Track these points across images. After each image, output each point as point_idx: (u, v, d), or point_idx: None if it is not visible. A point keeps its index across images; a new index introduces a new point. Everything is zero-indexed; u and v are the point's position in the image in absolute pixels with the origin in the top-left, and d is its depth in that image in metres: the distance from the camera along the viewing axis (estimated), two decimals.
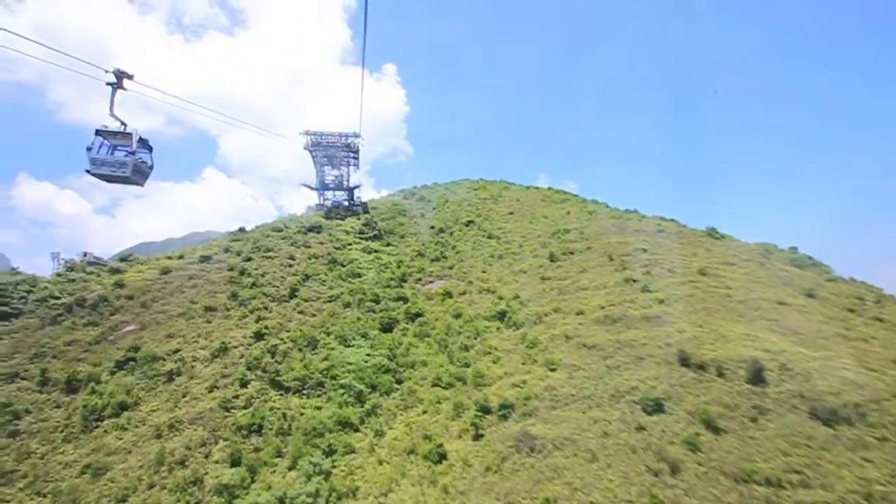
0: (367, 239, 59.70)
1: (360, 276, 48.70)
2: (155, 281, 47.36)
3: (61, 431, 29.09)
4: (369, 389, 30.39)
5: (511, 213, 63.43)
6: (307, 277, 46.98)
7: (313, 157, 73.11)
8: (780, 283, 35.74)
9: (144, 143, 16.13)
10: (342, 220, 66.57)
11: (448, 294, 43.82)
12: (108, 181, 15.78)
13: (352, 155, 73.96)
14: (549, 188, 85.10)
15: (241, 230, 58.00)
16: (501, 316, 36.14)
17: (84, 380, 34.08)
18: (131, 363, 34.74)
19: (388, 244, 59.53)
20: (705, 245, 44.12)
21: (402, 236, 63.46)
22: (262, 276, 47.26)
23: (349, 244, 57.41)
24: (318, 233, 59.97)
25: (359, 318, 40.04)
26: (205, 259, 51.02)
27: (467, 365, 31.25)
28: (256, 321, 38.92)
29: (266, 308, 41.47)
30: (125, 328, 41.19)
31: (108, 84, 14.11)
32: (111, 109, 14.78)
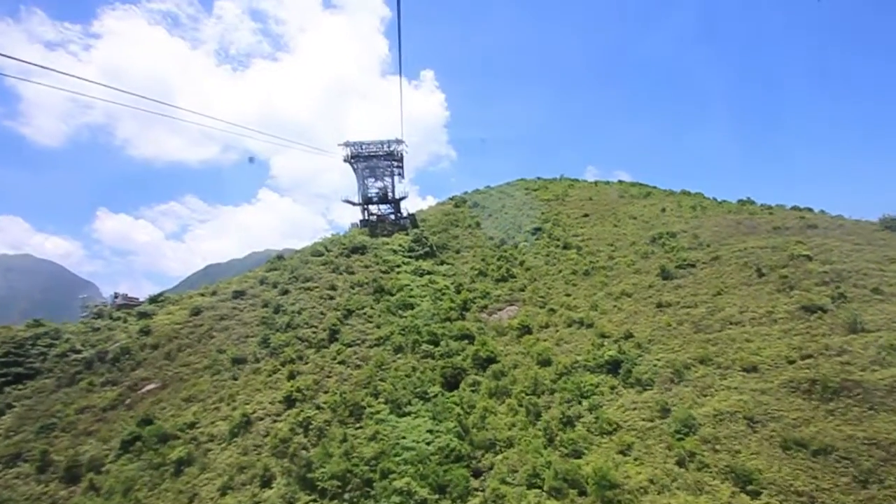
0: (417, 258, 50.24)
1: (412, 306, 39.10)
2: (184, 324, 40.57)
3: None
4: (436, 495, 20.30)
5: (586, 216, 51.43)
6: (350, 313, 38.03)
7: (354, 169, 65.20)
8: None
9: None
10: (389, 236, 57.75)
11: (525, 328, 33.04)
12: None
13: (395, 164, 65.30)
14: (621, 181, 71.86)
15: (279, 258, 50.65)
16: (614, 367, 24.79)
17: (86, 465, 26.89)
18: (138, 443, 27.10)
19: (442, 262, 49.70)
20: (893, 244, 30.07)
21: (457, 251, 53.44)
22: (299, 313, 38.97)
23: (398, 266, 48.21)
24: (363, 254, 51.36)
25: (414, 369, 30.28)
26: (238, 295, 43.78)
27: (578, 454, 20.34)
28: (288, 378, 30.31)
29: (301, 358, 32.86)
30: (145, 387, 34.28)
31: None
32: None
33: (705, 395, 20.47)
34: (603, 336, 27.87)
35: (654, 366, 23.58)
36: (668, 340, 25.52)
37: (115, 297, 47.11)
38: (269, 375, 31.24)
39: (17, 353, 36.03)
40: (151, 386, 34.51)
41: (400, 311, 38.31)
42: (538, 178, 78.35)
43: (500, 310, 38.31)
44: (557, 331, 31.61)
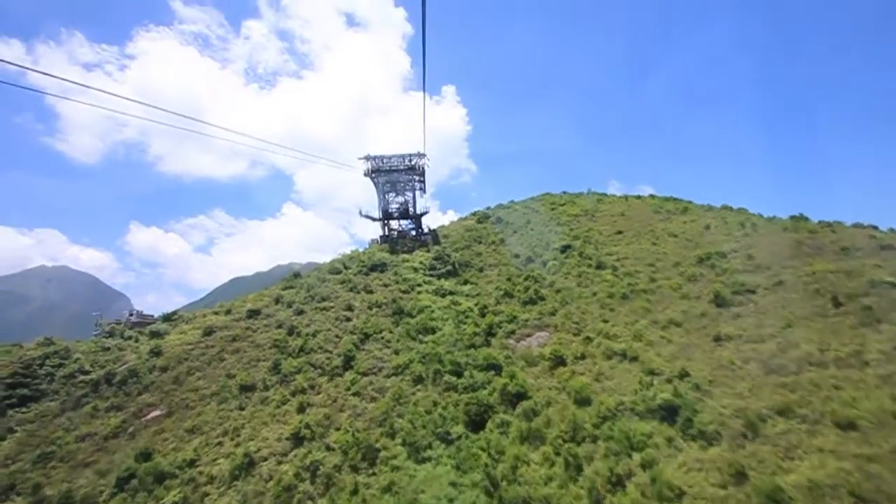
0: (439, 277, 47.39)
1: (433, 330, 36.07)
2: (195, 345, 38.66)
3: None
4: None
5: (620, 233, 47.67)
6: (367, 337, 35.27)
7: (375, 183, 63.39)
8: None
9: None
10: (409, 253, 55.25)
11: (559, 358, 29.50)
12: None
13: (417, 178, 63.21)
14: (653, 196, 67.64)
15: (296, 276, 48.64)
16: (669, 413, 21.03)
17: (78, 503, 24.63)
18: (134, 481, 24.70)
19: (465, 281, 46.63)
20: None
21: (481, 270, 50.32)
22: (314, 335, 36.51)
23: (418, 285, 45.44)
24: (382, 272, 48.89)
25: (435, 404, 27.10)
26: (252, 314, 41.75)
27: None
28: (298, 410, 27.61)
29: (313, 387, 30.17)
30: (150, 413, 32.20)
31: None
32: None
33: (791, 458, 16.57)
34: (652, 373, 24.12)
35: (720, 415, 19.74)
36: (734, 383, 21.62)
37: (130, 314, 45.78)
38: (278, 407, 28.62)
39: (24, 374, 34.61)
40: (156, 413, 32.40)
41: (420, 336, 35.33)
42: (564, 193, 74.88)
43: (528, 336, 34.86)
44: (596, 363, 27.96)
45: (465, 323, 37.04)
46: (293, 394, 29.42)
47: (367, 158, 61.77)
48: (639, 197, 66.04)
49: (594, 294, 36.32)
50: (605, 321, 32.09)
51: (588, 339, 30.71)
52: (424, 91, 17.67)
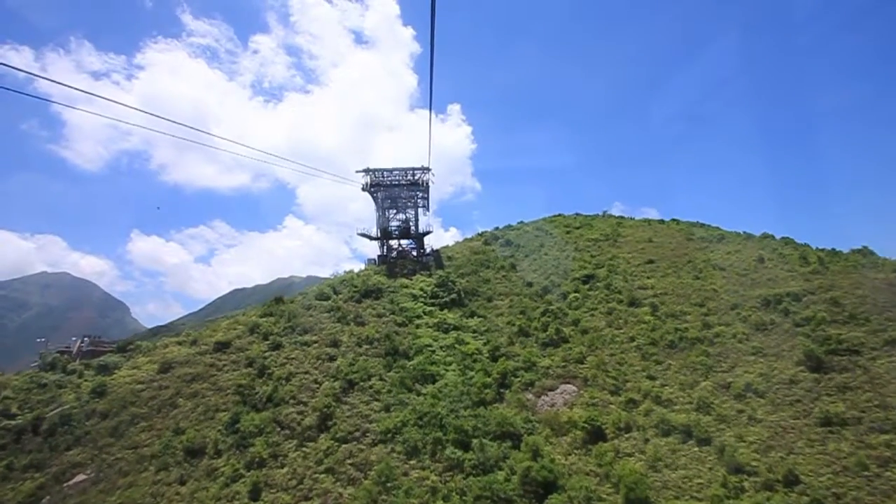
0: (442, 307, 40.49)
1: (433, 378, 29.05)
2: (148, 384, 31.68)
3: None
4: None
5: (651, 262, 40.92)
6: (351, 386, 28.20)
7: (374, 198, 56.90)
8: None
9: None
10: (409, 276, 48.48)
11: (595, 428, 22.37)
12: None
13: (420, 194, 56.74)
14: (675, 220, 61.07)
15: (278, 300, 41.70)
16: None
17: None
18: None
19: (472, 313, 39.74)
20: None
21: (490, 299, 43.46)
22: (287, 379, 29.53)
23: (417, 316, 38.51)
24: (377, 299, 42.01)
25: (434, 491, 19.94)
26: (221, 347, 34.77)
27: None
28: (251, 495, 20.45)
29: (276, 457, 23.02)
30: (73, 478, 25.11)
31: None
32: None
33: None
34: (740, 471, 17.01)
35: None
36: (868, 497, 14.51)
37: (82, 340, 38.74)
38: (227, 485, 21.44)
39: None
40: (82, 478, 25.22)
41: (418, 385, 28.29)
42: (577, 214, 68.37)
43: (551, 390, 27.78)
44: (647, 439, 20.87)
45: (472, 369, 30.05)
46: (249, 466, 22.28)
47: (367, 172, 55.51)
48: (662, 221, 59.54)
49: (631, 339, 29.37)
50: (652, 378, 25.05)
51: (632, 403, 23.64)
52: (431, 96, 11.70)
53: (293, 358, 32.43)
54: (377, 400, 26.97)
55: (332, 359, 32.21)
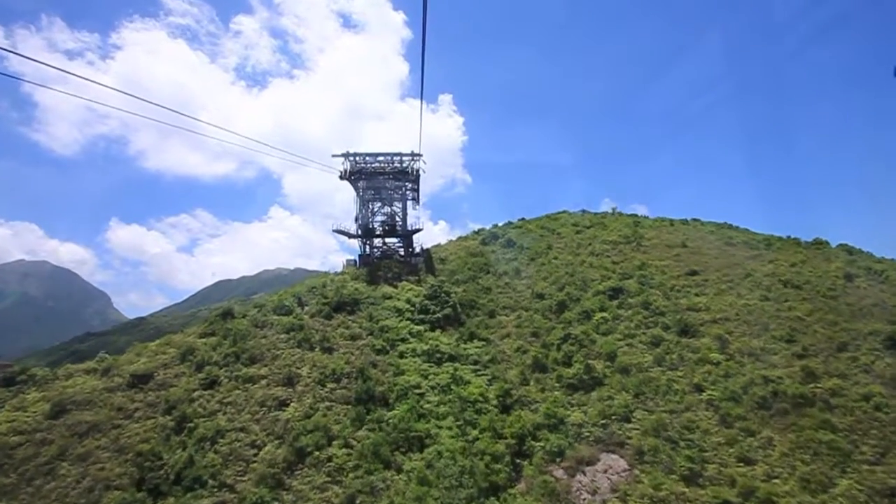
0: (433, 326, 31.53)
1: (421, 441, 20.14)
2: (29, 435, 22.49)
3: None
4: None
5: (695, 274, 32.38)
6: (303, 457, 19.12)
7: (355, 188, 47.43)
8: None
9: None
10: (394, 283, 39.39)
11: None
12: None
13: (408, 185, 47.41)
14: (697, 219, 52.85)
15: (227, 314, 32.14)
16: None
17: None
18: None
19: (472, 335, 30.88)
20: None
21: (492, 314, 34.67)
22: (212, 440, 20.32)
23: (403, 340, 29.51)
24: (352, 313, 32.88)
25: None
26: (137, 382, 25.34)
27: None
28: None
29: None
30: None
31: None
32: None
33: None
34: None
35: None
36: None
37: None
38: None
39: None
40: None
41: (403, 455, 19.32)
42: (584, 212, 59.65)
43: (590, 463, 19.05)
44: None
45: (475, 425, 21.18)
46: None
47: (346, 156, 46.01)
48: (685, 222, 51.22)
49: (698, 389, 20.72)
50: (748, 462, 16.40)
51: (720, 501, 15.00)
52: (423, 79, 3.43)
53: (229, 402, 23.19)
54: (337, 482, 17.92)
55: (282, 404, 23.06)
